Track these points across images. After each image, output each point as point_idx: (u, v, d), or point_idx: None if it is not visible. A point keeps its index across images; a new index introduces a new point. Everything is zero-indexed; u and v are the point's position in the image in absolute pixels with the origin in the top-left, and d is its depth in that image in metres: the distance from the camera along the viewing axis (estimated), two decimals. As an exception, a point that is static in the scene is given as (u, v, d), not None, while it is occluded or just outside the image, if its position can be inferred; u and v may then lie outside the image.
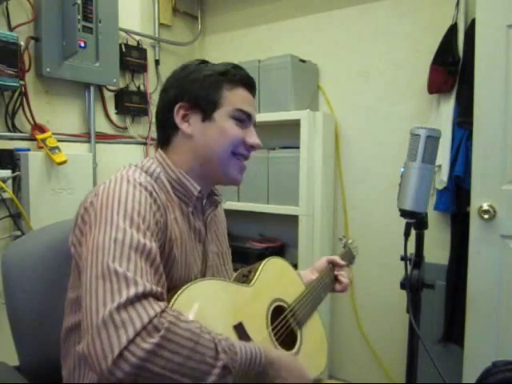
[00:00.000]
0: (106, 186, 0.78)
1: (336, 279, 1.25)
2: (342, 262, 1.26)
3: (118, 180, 0.78)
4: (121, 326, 0.59)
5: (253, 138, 0.93)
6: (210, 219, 0.98)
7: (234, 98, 0.91)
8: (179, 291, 0.75)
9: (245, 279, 0.96)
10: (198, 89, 0.89)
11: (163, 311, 0.63)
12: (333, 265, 1.26)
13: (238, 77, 0.92)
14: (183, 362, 0.62)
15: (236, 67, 0.93)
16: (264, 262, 1.02)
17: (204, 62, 0.95)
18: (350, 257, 1.38)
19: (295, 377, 0.79)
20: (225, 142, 0.89)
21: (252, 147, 0.93)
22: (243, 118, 0.91)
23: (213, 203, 0.98)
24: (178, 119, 0.90)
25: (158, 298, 0.66)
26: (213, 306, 0.80)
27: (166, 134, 0.93)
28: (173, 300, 0.73)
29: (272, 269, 1.03)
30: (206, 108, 0.89)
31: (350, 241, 1.42)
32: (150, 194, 0.78)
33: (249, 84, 0.94)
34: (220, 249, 1.02)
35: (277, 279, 1.03)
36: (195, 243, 0.91)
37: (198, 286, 0.79)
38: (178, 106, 0.89)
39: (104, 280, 0.63)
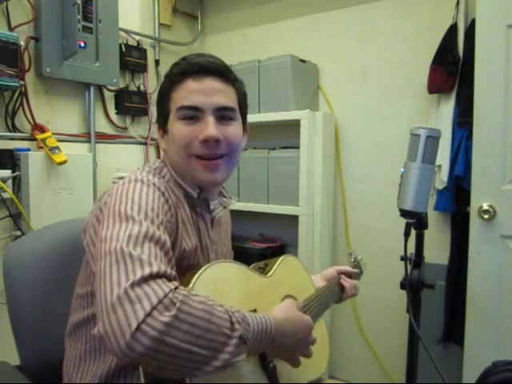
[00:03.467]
0: (119, 186, 0.79)
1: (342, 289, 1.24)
2: (354, 270, 1.28)
3: (132, 181, 0.79)
4: (136, 301, 0.58)
5: (204, 131, 0.83)
6: (217, 220, 0.99)
7: (178, 96, 0.86)
8: (201, 270, 0.76)
9: (262, 270, 0.97)
10: (156, 104, 0.94)
11: (176, 288, 0.63)
12: (344, 274, 1.26)
13: (180, 71, 0.86)
14: (201, 334, 0.62)
15: (178, 63, 0.88)
16: (281, 258, 1.04)
17: (176, 63, 0.90)
18: (358, 272, 1.38)
19: (301, 333, 0.83)
20: (176, 147, 0.86)
21: (205, 142, 0.83)
22: (189, 114, 0.84)
23: (221, 204, 0.99)
24: (159, 139, 0.95)
25: (170, 279, 0.66)
26: (232, 288, 0.82)
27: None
28: (195, 277, 0.74)
29: (288, 266, 1.05)
30: (162, 121, 0.91)
31: (359, 257, 1.43)
32: (163, 194, 0.79)
33: (196, 71, 0.85)
34: (223, 250, 1.02)
35: (291, 277, 1.05)
36: (199, 244, 0.91)
37: (218, 266, 0.80)
38: (156, 125, 0.95)
39: (118, 263, 0.63)
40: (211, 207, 0.96)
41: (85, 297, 0.82)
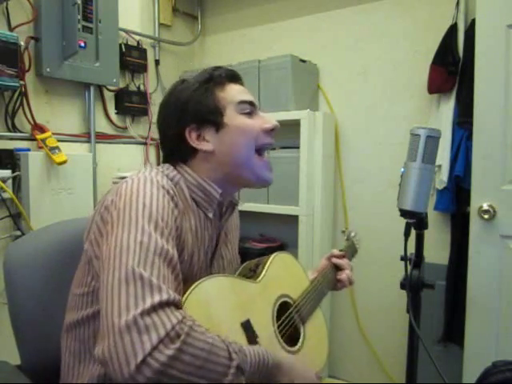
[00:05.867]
0: (128, 185, 0.76)
1: (337, 279, 1.22)
2: (340, 253, 1.24)
3: (142, 180, 0.77)
4: (144, 332, 0.59)
5: (268, 121, 0.91)
6: (227, 226, 0.98)
7: (230, 94, 0.89)
8: (190, 289, 0.75)
9: (252, 274, 0.97)
10: (196, 105, 0.88)
11: (184, 317, 0.64)
12: (331, 257, 1.23)
13: (223, 75, 0.91)
14: (202, 365, 0.63)
15: (216, 68, 0.92)
16: (272, 256, 1.03)
17: (183, 80, 0.93)
18: (352, 250, 1.36)
19: (302, 378, 0.81)
20: (246, 138, 0.88)
21: (272, 130, 0.91)
22: (249, 109, 0.90)
23: (229, 206, 0.97)
24: (194, 143, 0.87)
25: (178, 306, 0.66)
26: (221, 304, 0.81)
27: (182, 159, 0.90)
28: (184, 298, 0.73)
29: (280, 264, 1.04)
30: (214, 118, 0.87)
31: (352, 233, 1.39)
32: (172, 199, 0.78)
33: (235, 77, 0.93)
34: (228, 256, 1.01)
35: (283, 275, 1.04)
36: (204, 251, 0.91)
37: (207, 283, 0.80)
38: (187, 131, 0.87)
39: (128, 284, 0.63)
40: (224, 212, 0.96)
41: (81, 297, 0.81)
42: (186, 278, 0.83)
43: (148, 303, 0.61)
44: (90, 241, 0.79)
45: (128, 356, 0.58)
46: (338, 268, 1.22)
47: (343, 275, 1.20)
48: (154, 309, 0.61)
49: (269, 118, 0.91)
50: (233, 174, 0.89)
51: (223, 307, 0.81)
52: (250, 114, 0.90)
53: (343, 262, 1.22)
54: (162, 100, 0.94)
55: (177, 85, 0.92)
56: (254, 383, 0.73)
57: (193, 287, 0.76)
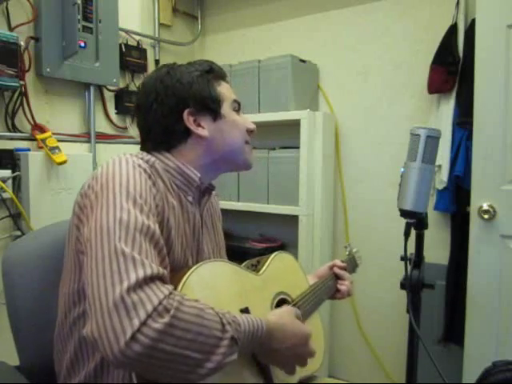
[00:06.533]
0: (104, 168, 0.78)
1: (337, 289, 1.24)
2: (342, 264, 1.26)
3: (117, 162, 0.78)
4: (132, 309, 0.59)
5: (250, 123, 0.98)
6: (206, 210, 0.99)
7: (225, 90, 0.95)
8: (192, 269, 0.76)
9: (253, 268, 0.98)
10: (199, 91, 0.90)
11: (171, 293, 0.64)
12: (333, 266, 1.25)
13: (222, 71, 0.97)
14: (194, 338, 0.63)
15: (213, 63, 0.97)
16: (273, 255, 1.05)
17: (178, 65, 0.94)
18: (353, 264, 1.39)
19: (295, 340, 0.83)
20: (239, 133, 0.94)
21: (252, 132, 0.98)
22: (238, 108, 0.97)
23: (206, 192, 0.98)
24: (192, 126, 0.89)
25: (163, 280, 0.66)
26: (223, 287, 0.82)
27: (171, 142, 0.91)
28: (185, 277, 0.74)
29: (280, 263, 1.05)
30: (214, 107, 0.91)
31: (354, 249, 1.43)
32: (149, 177, 0.79)
33: (226, 76, 0.99)
34: (215, 240, 1.02)
35: (284, 273, 1.05)
36: (191, 233, 0.91)
37: (210, 265, 0.81)
38: (186, 113, 0.89)
39: (111, 260, 0.64)
40: (202, 197, 0.97)
41: (72, 295, 0.80)
42: (177, 259, 0.84)
43: (133, 278, 0.62)
44: (76, 235, 0.78)
45: (117, 333, 0.58)
46: (338, 278, 1.24)
47: (343, 286, 1.23)
48: (140, 285, 0.62)
49: (250, 121, 0.99)
50: (223, 160, 0.94)
51: (224, 291, 0.82)
52: (238, 112, 0.97)
53: (345, 273, 1.25)
54: (150, 79, 0.93)
55: (172, 66, 0.93)
56: (250, 351, 0.75)
57: (196, 266, 0.77)
